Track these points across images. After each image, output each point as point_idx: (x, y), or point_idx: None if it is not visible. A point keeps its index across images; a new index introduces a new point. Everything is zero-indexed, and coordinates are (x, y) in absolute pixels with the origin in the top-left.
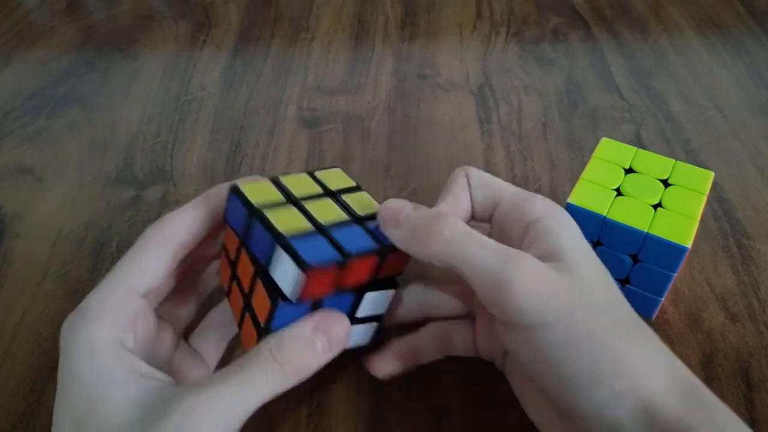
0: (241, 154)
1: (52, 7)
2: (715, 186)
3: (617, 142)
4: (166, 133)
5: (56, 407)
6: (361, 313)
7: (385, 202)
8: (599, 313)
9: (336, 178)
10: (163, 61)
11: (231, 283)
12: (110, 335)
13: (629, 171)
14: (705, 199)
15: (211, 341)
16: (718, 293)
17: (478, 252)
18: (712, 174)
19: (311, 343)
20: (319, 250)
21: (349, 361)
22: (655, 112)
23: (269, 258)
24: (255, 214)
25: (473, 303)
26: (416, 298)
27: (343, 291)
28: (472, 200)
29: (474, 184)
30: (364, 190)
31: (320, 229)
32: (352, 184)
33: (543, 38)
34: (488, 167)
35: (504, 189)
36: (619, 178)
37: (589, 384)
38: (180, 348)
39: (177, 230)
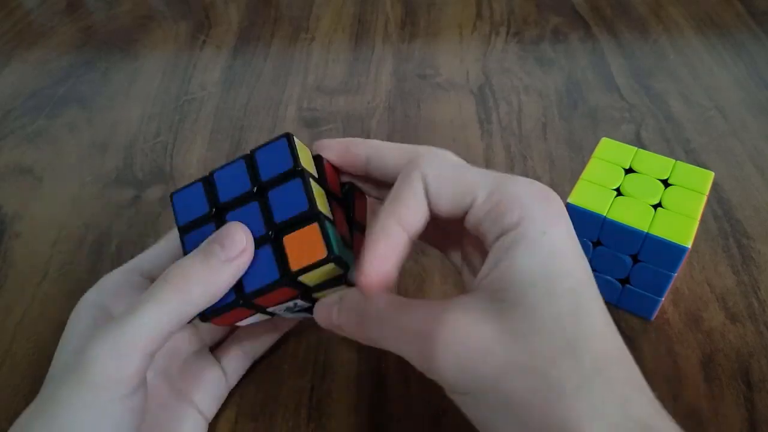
0: (241, 154)
1: (52, 7)
2: (715, 186)
3: (617, 142)
4: (166, 133)
5: None
6: (278, 217)
7: (316, 306)
8: (542, 368)
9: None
10: (163, 61)
11: None
12: (96, 298)
13: (629, 171)
14: (705, 199)
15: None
16: (718, 293)
17: (401, 325)
18: (712, 174)
19: (205, 256)
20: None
21: (349, 360)
22: (655, 112)
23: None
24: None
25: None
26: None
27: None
28: (430, 206)
29: (434, 191)
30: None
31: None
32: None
33: (543, 38)
34: (488, 167)
35: (474, 189)
36: (619, 178)
37: None
38: (200, 351)
39: None
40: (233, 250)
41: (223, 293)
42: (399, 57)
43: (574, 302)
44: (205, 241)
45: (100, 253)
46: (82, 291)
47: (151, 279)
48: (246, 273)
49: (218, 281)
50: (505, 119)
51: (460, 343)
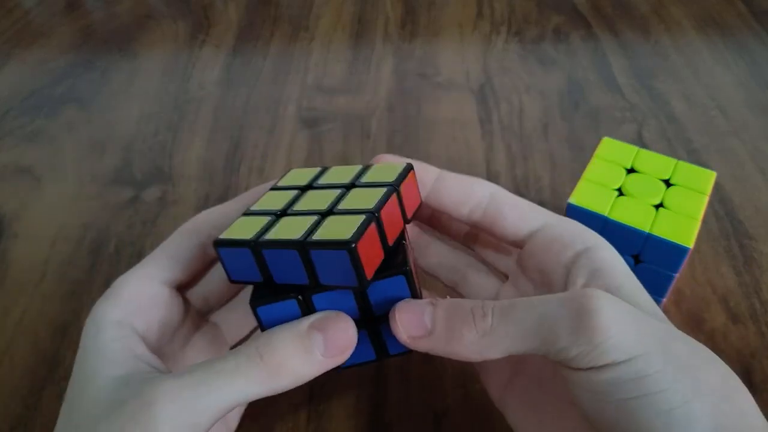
0: (240, 153)
1: (50, 7)
2: (717, 186)
3: (619, 141)
4: (165, 133)
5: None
6: (376, 309)
7: (397, 306)
8: (685, 340)
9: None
10: (162, 60)
11: None
12: (118, 315)
13: (631, 171)
14: (707, 199)
15: (232, 317)
16: (720, 294)
17: (535, 314)
18: (714, 174)
19: (305, 345)
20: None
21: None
22: (657, 112)
23: (309, 273)
24: (252, 247)
25: None
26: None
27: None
28: (495, 222)
29: (507, 214)
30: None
31: (323, 214)
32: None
33: (544, 38)
34: (489, 167)
35: (542, 217)
36: (620, 178)
37: (689, 417)
38: (201, 331)
39: (208, 224)
40: (336, 348)
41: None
42: (399, 56)
43: (656, 308)
44: (306, 324)
45: (98, 253)
46: (81, 291)
47: (171, 285)
48: None
49: (312, 374)
50: (506, 119)
51: (619, 307)
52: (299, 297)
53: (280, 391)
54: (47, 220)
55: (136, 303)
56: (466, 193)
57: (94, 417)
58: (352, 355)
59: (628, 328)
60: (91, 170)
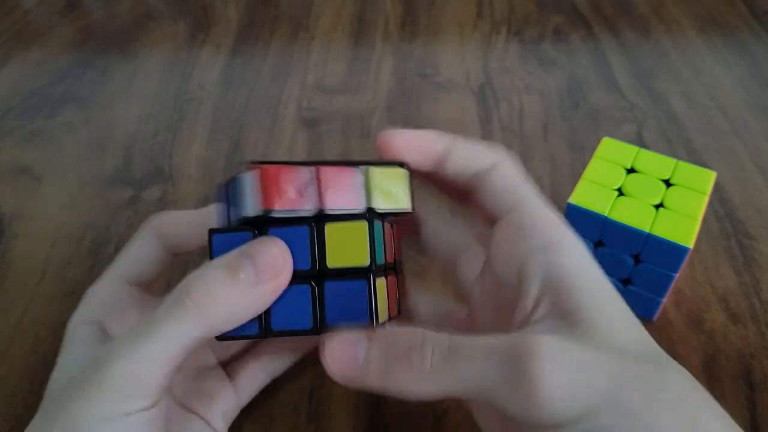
0: (241, 153)
1: (50, 7)
2: (717, 186)
3: (619, 141)
4: (165, 133)
5: None
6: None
7: (328, 340)
8: (640, 378)
9: None
10: (162, 60)
11: None
12: (88, 314)
13: (631, 171)
14: (707, 199)
15: None
16: (720, 294)
17: (477, 365)
18: (714, 174)
19: (231, 272)
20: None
21: None
22: (657, 112)
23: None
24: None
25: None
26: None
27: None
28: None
29: (492, 187)
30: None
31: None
32: None
33: (544, 37)
34: None
35: (520, 200)
36: (620, 178)
37: None
38: (210, 366)
39: (170, 224)
40: (266, 272)
41: (250, 318)
42: (399, 56)
43: (629, 320)
44: (234, 252)
45: (98, 253)
46: (81, 291)
47: (139, 285)
48: (275, 302)
49: (246, 307)
50: (506, 119)
51: (563, 358)
52: (254, 231)
53: (219, 329)
54: (47, 220)
55: (103, 303)
56: (471, 164)
57: (60, 388)
58: (288, 318)
59: (572, 384)
60: (91, 170)
